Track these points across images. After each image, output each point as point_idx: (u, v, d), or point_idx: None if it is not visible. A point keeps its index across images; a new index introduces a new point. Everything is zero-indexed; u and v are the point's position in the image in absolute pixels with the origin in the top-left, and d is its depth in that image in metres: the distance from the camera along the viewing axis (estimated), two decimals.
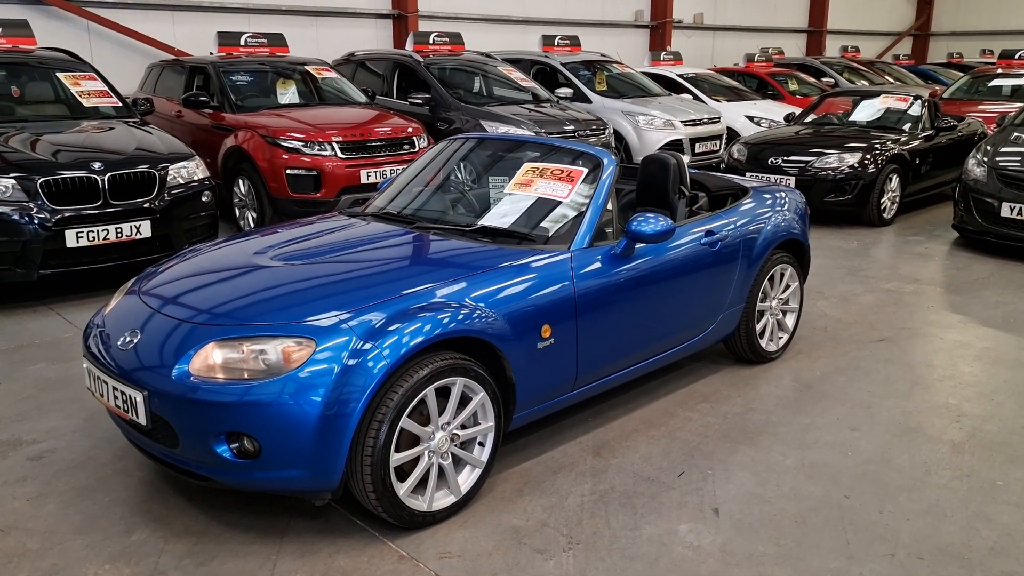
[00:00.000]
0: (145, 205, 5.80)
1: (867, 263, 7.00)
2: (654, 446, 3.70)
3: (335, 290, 3.13)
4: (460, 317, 3.00)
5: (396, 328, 2.85)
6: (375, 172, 7.38)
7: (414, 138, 7.79)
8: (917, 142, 8.76)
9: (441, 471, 3.06)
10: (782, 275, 4.66)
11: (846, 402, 4.19)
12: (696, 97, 12.29)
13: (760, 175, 8.29)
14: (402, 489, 2.92)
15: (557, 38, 12.64)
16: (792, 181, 8.16)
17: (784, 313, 4.77)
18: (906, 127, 9.00)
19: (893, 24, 24.64)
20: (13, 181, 5.39)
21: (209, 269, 3.50)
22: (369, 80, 10.13)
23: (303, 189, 7.20)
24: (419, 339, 2.87)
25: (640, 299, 3.71)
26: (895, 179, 8.42)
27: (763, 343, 4.62)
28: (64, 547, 2.93)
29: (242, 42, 9.23)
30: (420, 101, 9.14)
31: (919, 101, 9.25)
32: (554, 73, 11.50)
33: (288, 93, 8.58)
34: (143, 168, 5.87)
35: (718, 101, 12.27)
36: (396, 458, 2.87)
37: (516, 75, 10.35)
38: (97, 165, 5.66)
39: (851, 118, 9.55)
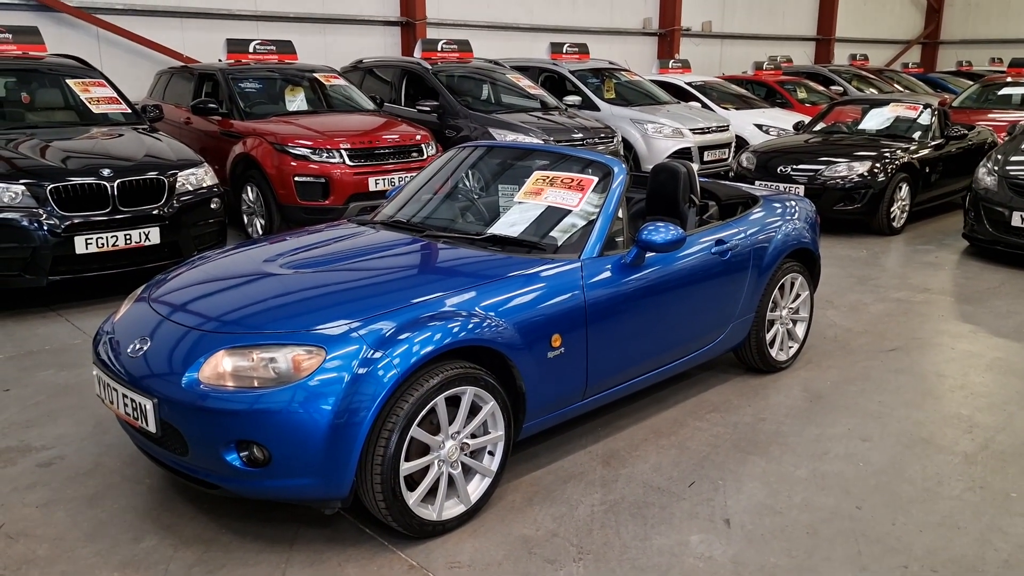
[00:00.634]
0: (154, 212, 5.81)
1: (877, 272, 6.97)
2: (664, 456, 3.68)
3: (345, 298, 3.13)
4: (470, 326, 2.99)
5: (406, 337, 2.85)
6: (383, 179, 7.39)
7: (422, 145, 7.79)
8: (927, 151, 8.73)
9: (451, 480, 3.05)
10: (792, 284, 4.64)
11: (857, 412, 4.17)
12: (705, 105, 12.28)
13: (769, 183, 8.26)
14: (412, 498, 2.91)
15: (565, 45, 12.65)
16: (801, 190, 8.14)
17: (794, 322, 4.75)
18: (916, 136, 8.98)
19: (902, 32, 24.62)
20: (23, 187, 5.41)
21: (218, 276, 3.50)
22: (377, 87, 10.15)
23: (311, 196, 7.21)
24: (429, 348, 2.86)
25: (650, 308, 3.69)
26: (905, 188, 8.39)
27: (773, 352, 4.60)
28: (73, 554, 2.92)
29: (251, 49, 9.26)
30: (428, 108, 9.15)
31: (929, 110, 9.22)
32: (562, 81, 11.50)
33: (296, 100, 8.60)
34: (152, 175, 5.88)
35: (727, 109, 12.26)
36: (406, 467, 2.86)
37: (524, 83, 10.36)
38: (106, 172, 5.68)
39: (860, 127, 9.52)
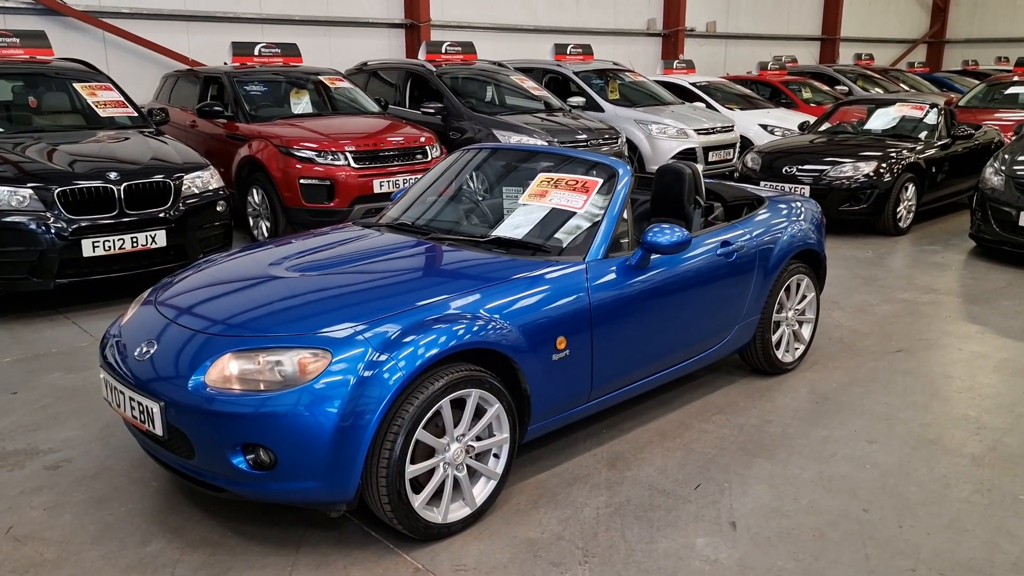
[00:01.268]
0: (160, 215, 5.83)
1: (883, 273, 6.95)
2: (669, 458, 3.67)
3: (350, 301, 3.13)
4: (475, 329, 2.99)
5: (411, 340, 2.85)
6: (388, 182, 7.39)
7: (427, 147, 7.80)
8: (933, 151, 8.71)
9: (456, 483, 3.05)
10: (798, 285, 4.63)
11: (863, 414, 4.16)
12: (709, 106, 12.27)
13: (774, 184, 8.25)
14: (417, 501, 2.91)
15: (569, 47, 12.66)
16: (806, 190, 8.12)
17: (800, 324, 4.74)
18: (922, 135, 8.95)
19: (907, 32, 24.56)
20: (30, 191, 5.43)
21: (224, 280, 3.51)
22: (382, 90, 10.16)
23: (316, 199, 7.22)
24: (434, 351, 2.86)
25: (655, 310, 3.69)
26: (911, 188, 8.37)
27: (779, 354, 4.59)
28: (80, 557, 2.93)
29: (256, 52, 9.29)
30: (432, 110, 9.16)
31: (935, 109, 9.19)
32: (566, 82, 11.51)
33: (301, 103, 8.62)
34: (158, 178, 5.90)
35: (731, 109, 12.25)
36: (411, 470, 2.86)
37: (528, 84, 10.36)
38: (113, 175, 5.70)
39: (866, 127, 9.50)
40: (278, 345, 2.84)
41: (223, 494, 2.95)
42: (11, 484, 3.42)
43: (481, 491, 3.14)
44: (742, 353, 4.54)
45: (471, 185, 4.41)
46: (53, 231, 5.40)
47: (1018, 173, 7.21)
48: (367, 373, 2.75)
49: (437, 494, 3.00)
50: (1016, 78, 12.99)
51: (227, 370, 2.82)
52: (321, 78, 9.01)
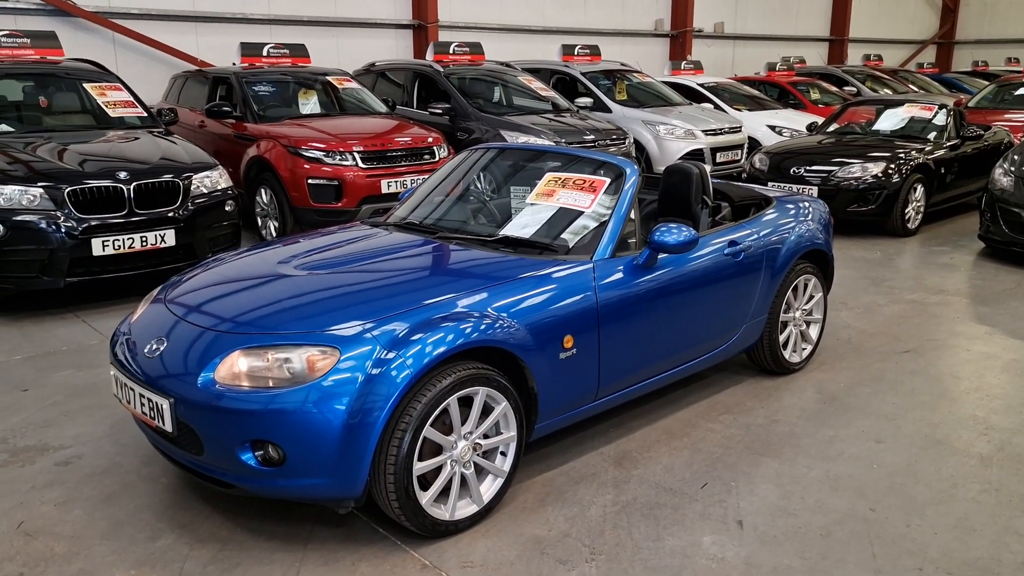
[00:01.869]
0: (169, 214, 5.86)
1: (891, 273, 6.94)
2: (676, 457, 3.68)
3: (358, 299, 3.15)
4: (482, 327, 3.00)
5: (419, 338, 2.86)
6: (395, 182, 7.41)
7: (434, 148, 7.82)
8: (942, 151, 8.68)
9: (463, 480, 3.06)
10: (806, 286, 4.62)
11: (871, 414, 4.15)
12: (717, 106, 12.25)
13: (782, 185, 8.24)
14: (425, 498, 2.92)
15: (577, 47, 12.66)
16: (815, 191, 8.11)
17: (807, 324, 4.74)
18: (931, 136, 8.93)
19: (916, 32, 24.48)
20: (41, 190, 5.47)
21: (233, 278, 3.53)
22: (389, 90, 10.19)
23: (324, 198, 7.25)
24: (442, 349, 2.87)
25: (662, 310, 3.69)
26: (920, 189, 8.35)
27: (786, 354, 4.59)
28: (90, 552, 2.95)
29: (264, 53, 9.32)
30: (440, 111, 9.17)
31: (944, 110, 9.17)
32: (574, 82, 11.50)
33: (309, 103, 8.65)
34: (167, 178, 5.93)
35: (739, 110, 12.23)
36: (419, 467, 2.88)
37: (536, 85, 10.37)
38: (123, 175, 5.73)
39: (874, 127, 9.48)
40: (287, 343, 2.86)
41: (232, 490, 2.97)
42: (22, 480, 3.45)
43: (488, 489, 3.15)
44: (749, 353, 4.54)
45: (478, 185, 4.42)
46: (63, 230, 5.44)
47: None
48: (375, 371, 2.76)
49: (445, 491, 3.01)
50: None
51: (236, 367, 2.83)
52: (329, 78, 9.04)
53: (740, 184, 5.29)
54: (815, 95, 13.95)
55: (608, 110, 10.89)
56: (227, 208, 6.29)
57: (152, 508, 3.24)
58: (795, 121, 11.73)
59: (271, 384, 2.78)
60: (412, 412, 2.81)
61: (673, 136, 10.41)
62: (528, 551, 2.97)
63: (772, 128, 11.71)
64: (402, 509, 2.87)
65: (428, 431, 2.87)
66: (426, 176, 4.56)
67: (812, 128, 10.14)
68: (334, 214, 7.17)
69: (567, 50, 12.57)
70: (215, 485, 2.99)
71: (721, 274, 4.01)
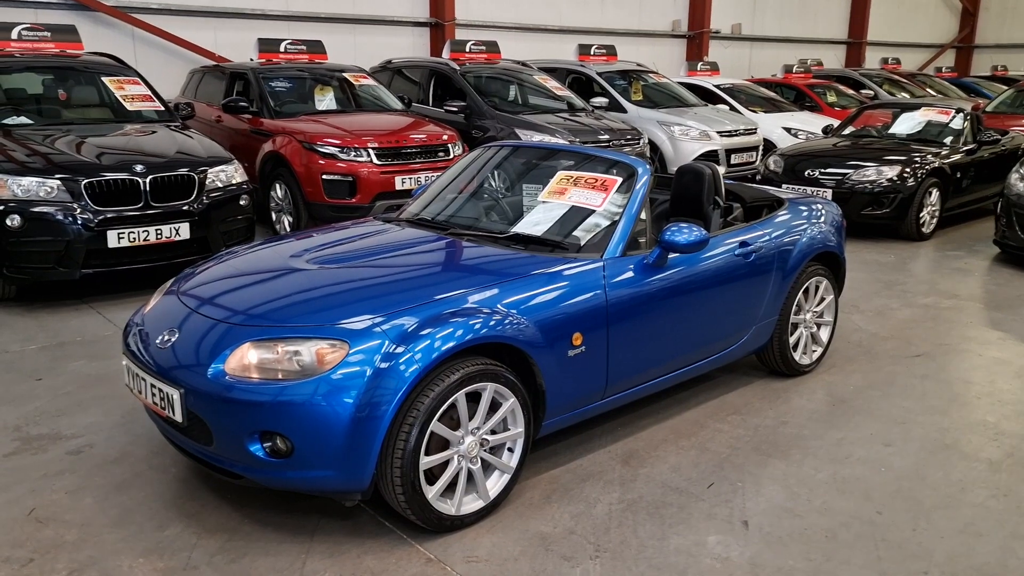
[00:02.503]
0: (184, 208, 5.91)
1: (904, 277, 6.90)
2: (684, 457, 3.68)
3: (369, 294, 3.17)
4: (492, 323, 3.02)
5: (428, 333, 2.88)
6: (410, 178, 7.44)
7: (449, 145, 7.84)
8: (958, 156, 8.62)
9: (470, 475, 3.07)
10: (817, 288, 4.61)
11: (880, 417, 4.14)
12: (732, 108, 12.22)
13: (796, 187, 8.21)
14: (431, 492, 2.94)
15: (593, 47, 12.65)
16: (829, 193, 8.07)
17: (818, 326, 4.73)
18: (947, 140, 8.86)
19: (936, 36, 24.29)
20: (58, 182, 5.52)
21: (246, 271, 3.56)
22: (406, 87, 10.22)
23: (338, 194, 7.28)
24: (451, 344, 2.89)
25: (672, 309, 3.69)
26: (935, 193, 8.29)
27: (796, 356, 4.58)
28: (100, 539, 2.99)
29: (282, 49, 9.38)
30: (456, 109, 9.20)
31: (961, 114, 9.10)
32: (590, 82, 11.50)
33: (326, 99, 8.69)
34: (183, 171, 5.98)
35: (755, 112, 12.19)
36: (426, 461, 2.89)
37: (552, 84, 10.38)
38: (139, 168, 5.78)
39: (890, 131, 9.43)
40: (297, 335, 2.88)
41: (240, 481, 2.99)
42: (35, 467, 3.49)
43: (495, 484, 3.16)
44: (759, 354, 4.54)
45: (491, 182, 4.44)
46: (80, 222, 5.49)
47: None
48: (384, 364, 2.78)
49: (451, 486, 3.03)
50: None
51: (246, 359, 2.86)
52: (346, 75, 9.08)
53: (752, 185, 5.28)
54: (832, 98, 13.88)
55: (623, 110, 10.88)
56: (241, 202, 6.33)
57: (161, 497, 3.27)
58: (811, 124, 11.69)
59: (280, 376, 2.80)
60: (420, 406, 2.83)
61: (688, 137, 10.38)
62: (533, 547, 2.98)
63: (788, 130, 11.67)
64: (408, 503, 2.89)
65: (435, 426, 2.89)
66: (440, 173, 4.58)
67: (828, 131, 10.09)
68: (348, 210, 7.21)
69: (583, 50, 12.57)
70: (224, 476, 3.02)
71: (732, 275, 4.01)
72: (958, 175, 8.57)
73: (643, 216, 3.72)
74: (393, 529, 3.07)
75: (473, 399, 3.02)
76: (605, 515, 3.19)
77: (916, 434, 3.95)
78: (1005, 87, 15.30)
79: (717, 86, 12.86)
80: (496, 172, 4.44)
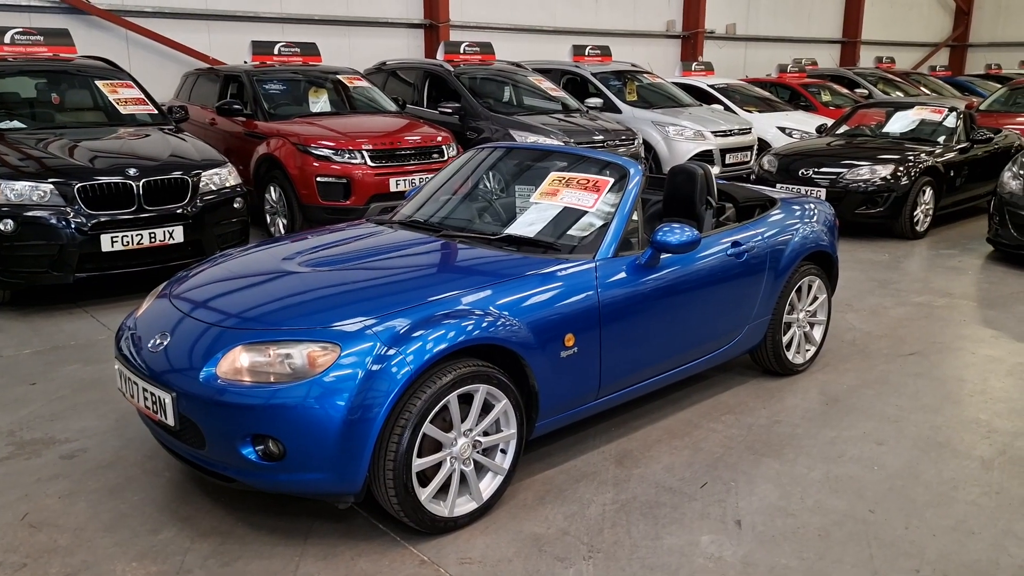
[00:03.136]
0: (178, 211, 5.91)
1: (898, 276, 6.91)
2: (677, 457, 3.69)
3: (361, 296, 3.17)
4: (484, 325, 3.02)
5: (420, 335, 2.88)
6: (404, 180, 7.44)
7: (443, 147, 7.85)
8: (952, 154, 8.65)
9: (463, 477, 3.08)
10: (810, 287, 4.62)
11: (873, 416, 4.15)
12: (727, 108, 12.23)
13: (791, 186, 8.22)
14: (424, 494, 2.94)
15: (588, 48, 12.67)
16: (823, 193, 8.09)
17: (812, 325, 4.74)
18: (941, 139, 8.89)
19: (930, 35, 24.35)
20: (51, 186, 5.52)
21: (239, 274, 3.56)
22: (400, 89, 10.22)
23: (333, 196, 7.28)
24: (443, 346, 2.89)
25: (665, 309, 3.70)
26: (928, 192, 8.31)
27: (790, 355, 4.59)
28: (93, 544, 2.98)
29: (275, 51, 9.38)
30: (450, 110, 9.20)
31: (954, 113, 9.12)
32: (584, 83, 11.52)
33: (320, 102, 8.69)
34: (177, 174, 5.98)
35: (749, 112, 12.21)
36: (418, 463, 2.89)
37: (546, 85, 10.39)
38: (132, 171, 5.78)
39: (884, 130, 9.45)
40: (288, 338, 2.89)
41: (233, 484, 2.99)
42: (28, 472, 3.49)
43: (488, 486, 3.17)
44: (753, 354, 4.54)
45: (484, 184, 4.44)
46: (73, 226, 5.49)
47: None
48: (375, 367, 2.78)
49: (444, 488, 3.03)
50: None
51: (238, 362, 2.86)
52: (340, 77, 9.08)
53: (745, 185, 5.29)
54: (826, 97, 13.91)
55: (618, 111, 10.89)
56: (236, 205, 6.33)
57: (155, 502, 3.27)
58: (805, 123, 11.71)
59: (272, 379, 2.81)
60: (412, 408, 2.83)
61: (682, 137, 10.40)
62: (527, 548, 2.98)
63: (782, 130, 11.69)
64: (401, 505, 2.89)
65: (428, 428, 2.89)
66: (434, 175, 4.59)
67: (822, 130, 10.11)
68: (343, 212, 7.21)
69: (578, 51, 12.58)
70: (216, 479, 3.02)
71: (724, 275, 4.02)
72: (951, 174, 8.59)
73: (635, 217, 3.72)
74: (386, 531, 3.07)
75: (465, 401, 3.02)
76: (599, 515, 3.20)
77: (909, 432, 3.96)
78: (999, 86, 15.34)
79: (712, 86, 12.89)
80: (489, 173, 4.45)
